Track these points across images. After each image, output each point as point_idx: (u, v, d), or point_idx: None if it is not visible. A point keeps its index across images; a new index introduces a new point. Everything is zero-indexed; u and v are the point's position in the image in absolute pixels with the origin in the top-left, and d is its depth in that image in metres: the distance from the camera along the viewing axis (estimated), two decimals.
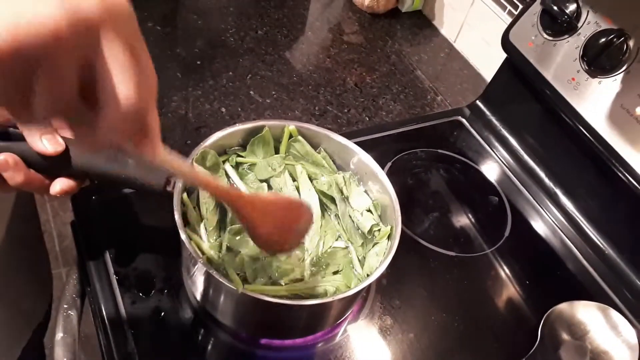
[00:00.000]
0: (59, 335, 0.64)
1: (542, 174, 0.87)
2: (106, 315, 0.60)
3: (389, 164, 0.84)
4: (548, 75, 0.80)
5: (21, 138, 0.52)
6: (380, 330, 0.65)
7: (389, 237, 0.60)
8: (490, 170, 0.88)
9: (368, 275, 0.59)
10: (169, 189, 0.58)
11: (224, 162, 0.65)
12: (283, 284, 0.57)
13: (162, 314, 0.61)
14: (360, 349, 0.63)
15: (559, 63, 0.78)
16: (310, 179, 0.67)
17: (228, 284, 0.51)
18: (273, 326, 0.60)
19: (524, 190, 0.86)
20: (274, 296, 0.55)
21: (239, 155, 0.66)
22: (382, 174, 0.64)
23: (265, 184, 0.66)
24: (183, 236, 0.54)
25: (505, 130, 0.92)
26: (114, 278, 0.63)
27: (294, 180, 0.67)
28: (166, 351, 0.59)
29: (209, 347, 0.61)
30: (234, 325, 0.60)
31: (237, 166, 0.66)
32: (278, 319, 0.58)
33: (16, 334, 0.75)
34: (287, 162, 0.67)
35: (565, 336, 0.68)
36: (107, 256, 0.64)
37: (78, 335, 0.65)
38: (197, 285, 0.60)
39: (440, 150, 0.89)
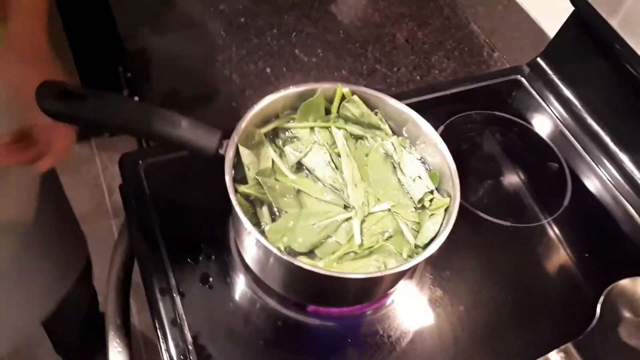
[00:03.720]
0: (112, 293, 0.66)
1: (607, 139, 0.81)
2: (155, 280, 0.60)
3: (442, 128, 0.80)
4: (619, 29, 0.73)
5: (78, 96, 0.52)
6: (430, 301, 0.64)
7: (445, 210, 0.57)
8: (551, 134, 0.83)
9: (421, 246, 0.57)
10: (221, 151, 0.57)
11: (272, 131, 0.63)
12: (334, 256, 0.55)
13: (210, 279, 0.61)
14: (408, 320, 0.62)
15: (632, 15, 0.71)
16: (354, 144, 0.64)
17: (279, 254, 0.50)
18: (322, 294, 0.59)
19: (587, 156, 0.81)
20: (324, 268, 0.54)
21: (290, 120, 0.64)
22: (440, 141, 0.60)
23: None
24: (234, 202, 0.53)
25: (568, 91, 0.85)
26: (162, 244, 0.63)
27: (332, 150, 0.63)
28: (213, 316, 0.59)
29: (256, 312, 0.61)
30: (283, 291, 0.60)
31: (284, 137, 0.63)
32: (327, 289, 0.57)
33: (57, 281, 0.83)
34: (338, 125, 0.64)
35: (626, 313, 0.64)
36: (155, 222, 0.64)
37: (129, 285, 0.66)
38: (247, 251, 0.59)
39: (496, 113, 0.84)
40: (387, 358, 0.59)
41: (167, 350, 0.56)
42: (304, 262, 0.53)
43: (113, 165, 1.78)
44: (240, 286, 0.62)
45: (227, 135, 0.57)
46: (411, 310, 0.63)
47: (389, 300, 0.63)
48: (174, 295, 0.59)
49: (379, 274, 0.51)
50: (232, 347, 0.57)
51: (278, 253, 0.50)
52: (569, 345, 0.59)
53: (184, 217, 0.66)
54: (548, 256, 0.70)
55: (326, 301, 0.60)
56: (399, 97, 0.77)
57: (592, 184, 0.78)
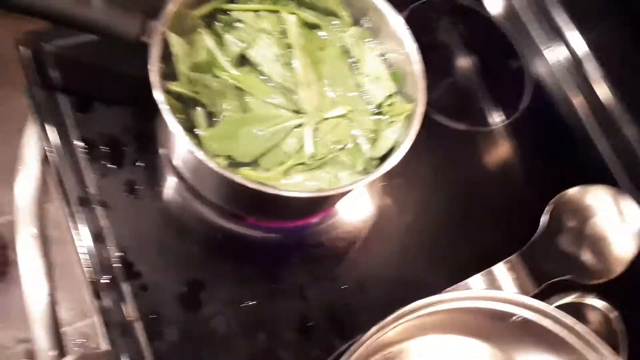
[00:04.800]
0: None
1: (570, 35, 0.76)
2: (71, 188, 0.52)
3: (404, 16, 0.70)
4: None
5: None
6: (378, 210, 0.60)
7: (406, 117, 0.51)
8: (516, 31, 0.76)
9: (377, 157, 0.51)
10: (143, 38, 0.47)
11: (209, 14, 0.51)
12: (280, 168, 0.49)
13: (136, 187, 0.54)
14: (354, 231, 0.59)
15: None
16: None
17: (218, 169, 0.43)
18: (265, 210, 0.53)
19: (548, 54, 0.76)
20: (271, 181, 0.48)
21: (231, 1, 0.53)
22: (406, 36, 0.53)
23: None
24: (161, 104, 0.44)
25: None
26: (77, 145, 0.53)
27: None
28: (142, 230, 0.52)
29: (191, 223, 0.55)
30: (221, 203, 0.54)
31: (224, 20, 0.52)
32: (271, 205, 0.51)
33: None
34: (289, 9, 0.54)
35: (569, 223, 0.64)
36: (69, 119, 0.54)
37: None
38: (178, 158, 0.52)
39: (463, 2, 0.75)
40: (333, 270, 0.57)
41: (89, 268, 0.50)
42: (247, 177, 0.47)
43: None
44: (171, 195, 0.55)
45: (152, 17, 0.46)
46: (358, 221, 0.59)
47: (334, 211, 0.59)
48: (95, 206, 0.52)
49: (330, 193, 0.46)
50: (164, 264, 0.52)
51: (216, 168, 0.43)
52: (514, 257, 0.59)
53: (102, 113, 0.55)
54: (499, 163, 0.68)
55: (269, 216, 0.55)
56: None
57: (551, 88, 0.74)
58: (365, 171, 0.51)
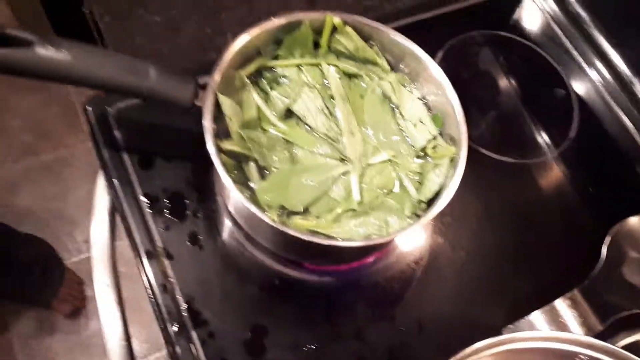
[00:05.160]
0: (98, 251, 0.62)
1: (617, 60, 0.74)
2: (140, 244, 0.56)
3: (440, 53, 0.72)
4: None
5: (24, 43, 0.44)
6: (430, 249, 0.61)
7: (451, 160, 0.52)
8: (558, 55, 0.76)
9: (424, 201, 0.52)
10: (197, 102, 0.51)
11: (255, 72, 0.55)
12: (330, 215, 0.51)
13: (200, 239, 0.57)
14: (408, 270, 0.60)
15: None
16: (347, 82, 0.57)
17: (270, 222, 0.46)
18: (319, 256, 0.55)
19: (596, 78, 0.75)
20: (321, 229, 0.50)
21: (274, 57, 0.56)
22: (443, 78, 0.54)
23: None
24: (217, 163, 0.47)
25: (578, 4, 0.77)
26: (143, 202, 0.58)
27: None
28: (206, 279, 0.56)
29: (251, 271, 0.57)
30: (277, 251, 0.56)
31: (269, 77, 0.56)
32: (324, 252, 0.53)
33: None
34: (329, 61, 0.57)
35: (631, 253, 0.62)
36: (133, 177, 0.58)
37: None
38: (236, 211, 0.55)
39: (501, 32, 0.76)
40: (389, 309, 0.57)
41: (161, 318, 0.53)
42: (298, 227, 0.49)
43: None
44: (232, 244, 0.58)
45: (203, 83, 0.50)
46: (412, 260, 0.60)
47: (388, 251, 0.60)
48: (162, 258, 0.55)
49: (380, 241, 0.48)
50: (229, 310, 0.55)
51: (269, 221, 0.46)
52: (575, 292, 0.57)
53: (163, 168, 0.60)
54: (552, 194, 0.67)
55: (324, 261, 0.57)
56: (384, 19, 0.69)
57: (601, 112, 0.73)
58: (414, 215, 0.52)
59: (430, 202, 0.52)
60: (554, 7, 0.78)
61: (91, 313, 1.40)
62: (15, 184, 1.55)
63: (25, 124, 1.63)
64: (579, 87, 0.74)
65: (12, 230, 1.26)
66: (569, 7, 0.78)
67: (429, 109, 0.57)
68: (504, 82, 0.73)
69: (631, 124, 0.72)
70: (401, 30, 0.71)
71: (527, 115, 0.71)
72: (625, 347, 0.55)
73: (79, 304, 1.39)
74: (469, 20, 0.76)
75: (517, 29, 0.77)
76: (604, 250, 0.61)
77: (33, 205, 1.51)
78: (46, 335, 1.37)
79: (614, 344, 0.55)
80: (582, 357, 0.50)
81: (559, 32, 0.78)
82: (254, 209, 0.46)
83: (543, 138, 0.70)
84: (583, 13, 0.78)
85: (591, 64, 0.76)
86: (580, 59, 0.76)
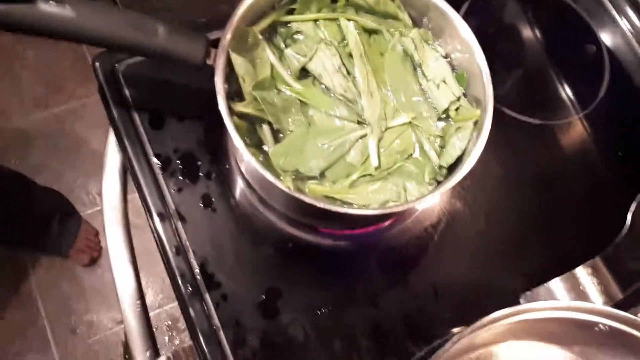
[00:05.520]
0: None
1: None
2: (152, 205, 0.55)
3: (465, 6, 0.68)
4: None
5: None
6: (449, 213, 0.59)
7: (475, 123, 0.50)
8: (590, 9, 0.71)
9: (445, 167, 0.50)
10: (209, 61, 0.48)
11: (269, 28, 0.52)
12: (347, 181, 0.49)
13: (213, 201, 0.56)
14: (424, 235, 0.58)
15: None
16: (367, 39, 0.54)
17: (284, 188, 0.44)
18: (334, 221, 0.54)
19: (630, 32, 0.70)
20: (337, 194, 0.48)
21: (289, 12, 0.53)
22: (469, 35, 0.51)
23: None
24: (230, 127, 0.45)
25: None
26: (154, 161, 0.56)
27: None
28: (219, 241, 0.55)
29: (265, 234, 0.56)
30: (292, 215, 0.55)
31: (284, 33, 0.53)
32: (339, 217, 0.51)
33: None
34: (347, 15, 0.53)
35: None
36: (143, 136, 0.57)
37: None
38: (250, 175, 0.53)
39: None
40: (405, 275, 0.56)
41: (174, 280, 0.53)
42: (314, 192, 0.48)
43: None
44: (246, 207, 0.57)
45: (214, 39, 0.47)
46: (429, 225, 0.59)
47: (405, 215, 0.59)
48: (175, 221, 0.55)
49: (399, 209, 0.46)
50: (242, 273, 0.54)
51: (283, 187, 0.44)
52: (597, 259, 0.56)
53: (175, 129, 0.58)
54: (578, 158, 0.64)
55: (339, 226, 0.56)
56: None
57: (633, 70, 0.69)
58: (434, 180, 0.50)
59: (452, 168, 0.50)
60: None
61: (107, 263, 1.43)
62: (29, 136, 1.54)
63: (35, 76, 1.61)
64: (611, 42, 0.70)
65: (30, 181, 1.26)
66: None
67: (453, 67, 0.54)
68: (531, 38, 0.69)
69: None
70: None
71: (554, 74, 0.68)
72: None
73: (96, 254, 1.42)
74: None
75: None
76: (629, 216, 0.59)
77: (47, 158, 1.51)
78: (64, 283, 1.40)
79: (634, 314, 0.54)
80: (602, 326, 0.49)
81: None
82: (267, 174, 0.44)
83: (571, 98, 0.66)
84: None
85: (624, 16, 0.71)
86: (613, 11, 0.71)
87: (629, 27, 0.70)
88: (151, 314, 1.38)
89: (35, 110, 1.58)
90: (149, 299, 1.41)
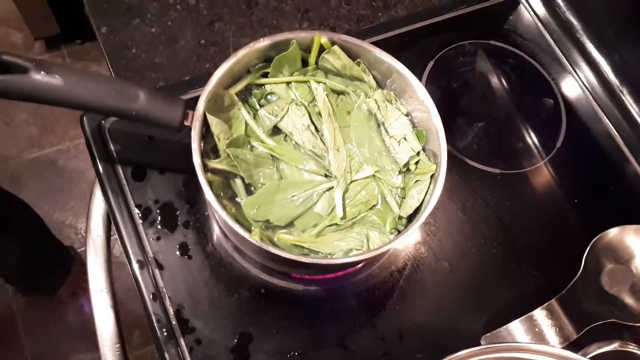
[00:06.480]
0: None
1: (607, 70, 0.75)
2: (132, 253, 0.58)
3: (431, 63, 0.73)
4: None
5: (20, 69, 0.46)
6: (414, 259, 0.63)
7: (432, 176, 0.54)
8: (549, 65, 0.77)
9: (404, 217, 0.54)
10: (186, 123, 0.52)
11: (244, 89, 0.57)
12: (314, 231, 0.53)
13: (189, 249, 0.59)
14: (391, 280, 0.62)
15: None
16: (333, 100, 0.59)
17: (248, 237, 0.48)
18: (303, 268, 0.57)
19: (585, 87, 0.75)
20: (304, 242, 0.52)
21: (263, 75, 0.58)
22: (427, 98, 0.55)
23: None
24: (203, 183, 0.49)
25: (570, 13, 0.78)
26: (135, 213, 0.60)
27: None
28: (195, 288, 0.58)
29: (239, 281, 0.59)
30: (264, 262, 0.58)
31: (258, 94, 0.58)
32: (306, 265, 0.55)
33: None
34: (317, 79, 0.58)
35: (609, 263, 0.64)
36: (126, 188, 0.61)
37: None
38: (222, 224, 0.57)
39: (492, 42, 0.77)
40: (371, 319, 0.59)
41: (151, 324, 0.56)
42: (283, 242, 0.52)
43: None
44: (221, 254, 0.60)
45: (194, 97, 0.52)
46: (394, 270, 0.62)
47: (372, 261, 0.62)
48: (153, 268, 0.58)
49: (361, 257, 0.50)
50: (216, 318, 0.57)
51: (250, 239, 0.48)
52: (553, 302, 0.59)
53: (156, 181, 0.62)
54: (537, 204, 0.68)
55: (309, 272, 0.59)
56: (374, 31, 0.70)
57: (589, 122, 0.73)
58: (395, 229, 0.54)
59: (411, 217, 0.54)
60: (546, 14, 0.79)
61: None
62: (22, 176, 1.58)
63: (30, 118, 1.66)
64: (568, 95, 0.75)
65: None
66: (560, 15, 0.78)
67: (413, 125, 0.58)
68: (493, 92, 0.74)
69: (617, 133, 0.73)
70: (394, 39, 0.73)
71: (515, 126, 0.72)
72: (598, 356, 0.57)
73: (84, 293, 1.43)
74: (462, 29, 0.77)
75: (509, 37, 0.78)
76: (583, 260, 0.62)
77: (38, 198, 1.54)
78: (51, 322, 1.41)
79: (587, 354, 0.57)
80: None
81: (550, 40, 0.78)
82: (237, 227, 0.48)
83: (530, 148, 0.71)
84: (574, 20, 0.78)
85: (581, 72, 0.77)
86: (570, 67, 0.77)
87: (586, 82, 0.76)
88: (140, 352, 1.40)
89: (30, 150, 1.62)
90: (136, 337, 1.42)
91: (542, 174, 0.70)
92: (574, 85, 0.76)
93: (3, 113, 1.66)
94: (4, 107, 1.66)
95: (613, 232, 0.64)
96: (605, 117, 0.74)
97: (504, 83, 0.75)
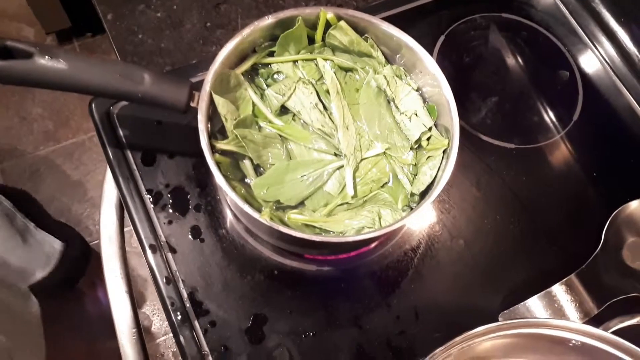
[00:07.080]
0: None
1: (624, 38, 0.73)
2: (144, 238, 0.58)
3: (442, 38, 0.72)
4: None
5: (25, 54, 0.46)
6: (428, 237, 0.62)
7: (444, 151, 0.53)
8: (564, 37, 0.74)
9: (417, 194, 0.53)
10: (192, 104, 0.52)
11: (250, 68, 0.56)
12: (325, 210, 0.52)
13: (202, 232, 0.59)
14: (405, 259, 0.61)
15: None
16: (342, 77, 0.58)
17: (263, 221, 0.47)
18: (315, 248, 0.57)
19: (602, 57, 0.73)
20: (315, 222, 0.51)
21: (269, 54, 0.57)
22: (437, 71, 0.54)
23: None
24: (211, 165, 0.48)
25: None
26: (146, 197, 0.60)
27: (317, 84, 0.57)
28: (208, 271, 0.58)
29: (251, 263, 0.59)
30: (276, 243, 0.58)
31: (264, 73, 0.57)
32: (320, 244, 0.54)
33: None
34: (324, 56, 0.57)
35: (630, 237, 0.62)
36: (137, 174, 0.61)
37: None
38: (235, 207, 0.57)
39: (503, 14, 0.75)
40: (387, 298, 0.59)
41: (165, 308, 0.56)
42: (293, 221, 0.51)
43: None
44: (233, 237, 0.60)
45: (201, 80, 0.51)
46: (409, 249, 0.61)
47: (386, 239, 0.61)
48: (165, 252, 0.58)
49: (372, 234, 0.49)
50: (230, 301, 0.57)
51: (260, 219, 0.47)
52: (572, 277, 0.58)
53: (165, 165, 0.62)
54: (555, 179, 0.66)
55: (321, 252, 0.59)
56: (385, 5, 0.68)
57: (607, 93, 0.71)
58: (407, 207, 0.53)
59: (423, 194, 0.53)
60: None
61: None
62: (39, 170, 1.60)
63: (46, 112, 1.68)
64: (585, 67, 0.73)
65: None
66: None
67: (424, 100, 0.57)
68: (507, 66, 0.72)
69: (637, 105, 0.70)
70: (403, 15, 0.72)
71: (529, 100, 0.71)
72: (620, 331, 0.56)
73: (102, 283, 1.45)
74: (472, 2, 0.75)
75: (522, 10, 0.75)
76: (603, 234, 0.61)
77: (58, 191, 1.56)
78: (71, 311, 1.44)
79: (609, 328, 0.56)
80: (575, 342, 0.51)
81: (565, 11, 0.76)
82: (247, 207, 0.47)
83: (546, 122, 0.69)
84: None
85: (598, 43, 0.74)
86: (586, 39, 0.74)
87: (603, 54, 0.73)
88: (157, 341, 1.42)
89: (46, 144, 1.64)
90: (155, 327, 1.44)
91: (559, 148, 0.68)
92: (591, 57, 0.74)
93: (19, 108, 1.68)
94: (20, 103, 1.68)
95: (634, 205, 0.62)
96: (625, 89, 0.72)
97: (518, 56, 0.73)
